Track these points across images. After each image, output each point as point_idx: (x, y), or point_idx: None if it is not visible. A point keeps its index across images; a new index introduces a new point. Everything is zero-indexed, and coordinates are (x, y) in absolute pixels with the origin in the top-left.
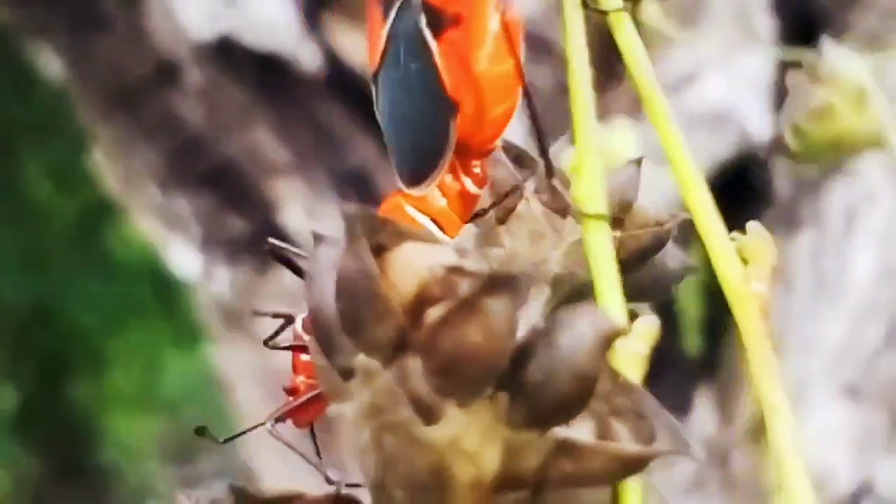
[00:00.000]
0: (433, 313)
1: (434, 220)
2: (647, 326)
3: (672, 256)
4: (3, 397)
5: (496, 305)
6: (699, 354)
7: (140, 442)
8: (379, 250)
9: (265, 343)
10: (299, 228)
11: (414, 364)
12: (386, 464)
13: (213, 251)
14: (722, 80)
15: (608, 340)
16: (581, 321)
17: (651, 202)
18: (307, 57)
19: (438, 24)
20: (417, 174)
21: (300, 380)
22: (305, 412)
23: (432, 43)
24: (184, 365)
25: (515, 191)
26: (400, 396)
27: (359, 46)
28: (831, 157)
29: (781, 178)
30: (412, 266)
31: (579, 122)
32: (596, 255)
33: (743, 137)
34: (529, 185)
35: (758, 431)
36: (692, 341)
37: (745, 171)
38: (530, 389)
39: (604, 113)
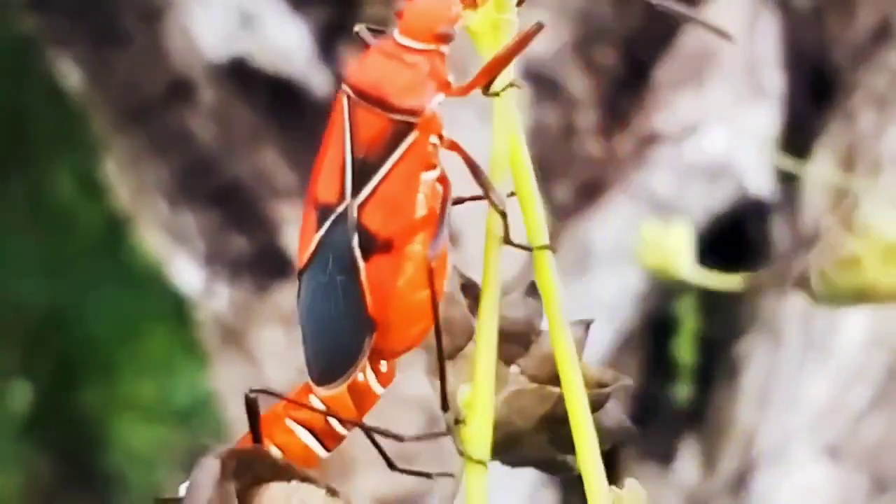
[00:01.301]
0: None
1: (315, 434)
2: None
3: (611, 416)
4: (18, 396)
5: None
6: (686, 404)
7: (149, 450)
8: (254, 480)
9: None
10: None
11: None
12: None
13: (216, 268)
14: (724, 133)
15: None
16: None
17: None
18: (319, 83)
19: (370, 246)
20: (327, 376)
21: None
22: None
23: (361, 263)
24: (195, 376)
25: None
26: None
27: None
28: (853, 304)
29: (779, 234)
30: None
31: (479, 361)
32: (473, 498)
33: (741, 191)
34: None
35: (738, 483)
36: (682, 390)
37: (741, 224)
38: None
39: (611, 157)
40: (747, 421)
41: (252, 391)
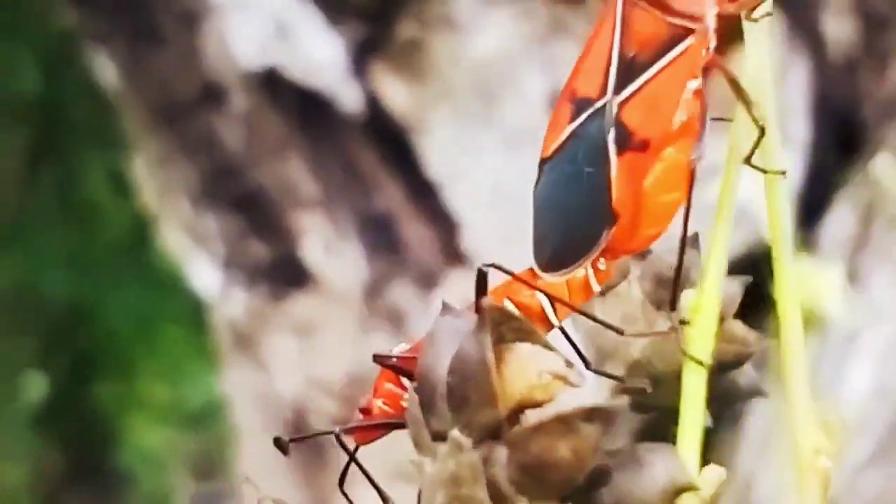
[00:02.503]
0: (532, 416)
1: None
2: (716, 475)
3: (746, 376)
4: (33, 387)
5: (588, 430)
6: None
7: (159, 450)
8: (498, 340)
9: (374, 359)
10: (316, 263)
11: (501, 454)
12: None
13: (234, 273)
14: (746, 178)
15: (679, 491)
16: (659, 464)
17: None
18: (349, 98)
19: (625, 142)
20: (555, 263)
21: (378, 403)
22: (369, 433)
23: (614, 157)
24: (208, 380)
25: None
26: (481, 477)
27: (400, 95)
28: None
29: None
30: (524, 368)
31: (710, 269)
32: (689, 398)
33: (756, 236)
34: (635, 269)
35: None
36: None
37: (756, 268)
38: None
39: None
40: (747, 466)
41: (485, 265)
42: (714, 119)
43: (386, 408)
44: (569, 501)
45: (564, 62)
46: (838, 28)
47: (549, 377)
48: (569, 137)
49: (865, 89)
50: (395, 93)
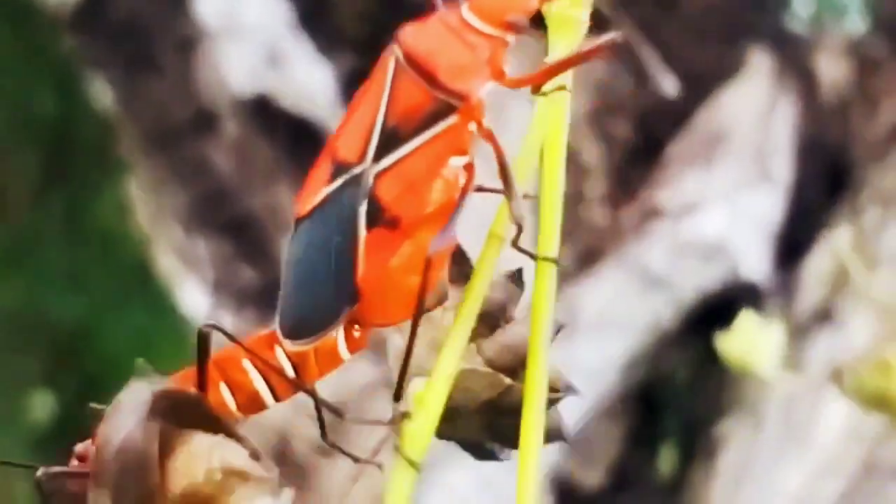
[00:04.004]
0: None
1: (269, 383)
2: None
3: (552, 418)
4: (39, 406)
5: None
6: (671, 475)
7: None
8: (179, 423)
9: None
10: None
11: None
12: None
13: (222, 297)
14: (724, 214)
15: None
16: None
17: None
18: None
19: (377, 218)
20: (296, 332)
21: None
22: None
23: (363, 231)
24: None
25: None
26: None
27: None
28: (877, 409)
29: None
30: (193, 462)
31: (443, 357)
32: (393, 498)
33: (733, 273)
34: (453, 296)
35: None
36: (667, 461)
37: (732, 306)
38: None
39: (614, 227)
40: (721, 501)
41: (206, 326)
42: (479, 190)
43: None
44: None
45: None
46: (832, 69)
47: (219, 475)
48: (323, 201)
49: (855, 131)
50: None
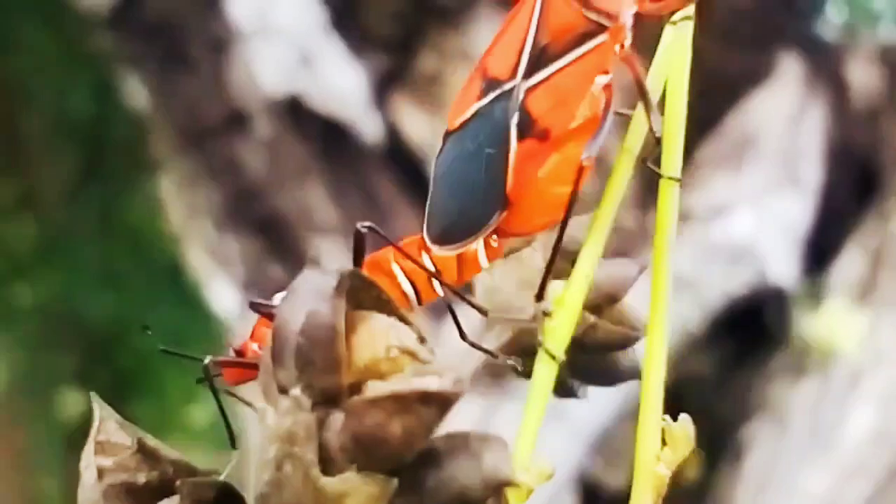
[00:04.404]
0: (372, 389)
1: (414, 286)
2: (543, 467)
3: (629, 358)
4: (71, 404)
5: (422, 413)
6: (694, 482)
7: None
8: (356, 306)
9: (250, 306)
10: None
11: (337, 421)
12: (276, 485)
13: (252, 295)
14: (752, 218)
15: (500, 485)
16: (487, 456)
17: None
18: (370, 128)
19: (528, 129)
20: (444, 238)
21: (252, 346)
22: (239, 374)
23: (514, 143)
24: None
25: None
26: (314, 439)
27: (420, 125)
28: None
29: (799, 323)
30: (374, 339)
31: (581, 264)
32: (535, 389)
33: (761, 276)
34: (541, 236)
35: None
36: (693, 464)
37: (759, 309)
38: (420, 488)
39: (642, 230)
40: None
41: (363, 226)
42: (618, 114)
43: (259, 351)
44: (395, 476)
45: None
46: (863, 75)
47: (397, 352)
48: (474, 115)
49: (885, 136)
50: (415, 123)
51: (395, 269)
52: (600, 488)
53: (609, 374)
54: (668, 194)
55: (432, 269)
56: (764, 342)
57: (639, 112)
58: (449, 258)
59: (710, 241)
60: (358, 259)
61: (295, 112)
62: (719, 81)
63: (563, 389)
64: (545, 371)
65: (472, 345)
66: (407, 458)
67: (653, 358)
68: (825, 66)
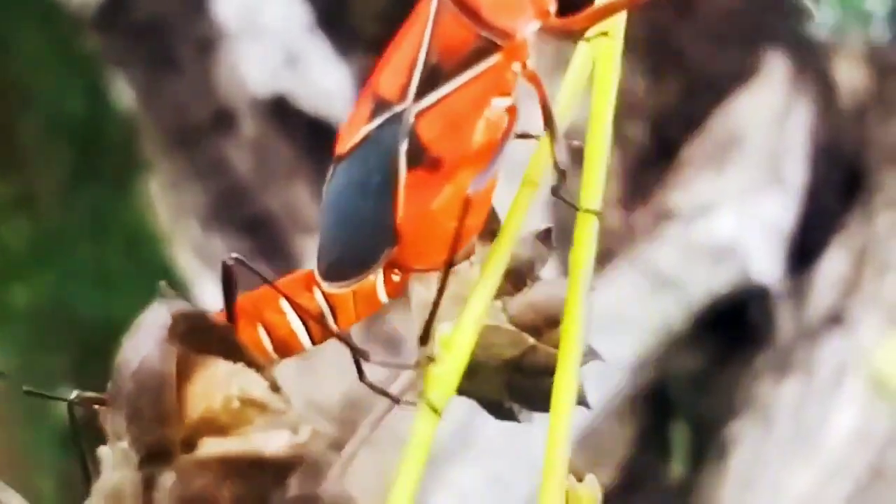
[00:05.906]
0: (206, 446)
1: (306, 324)
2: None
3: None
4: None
5: (258, 478)
6: (679, 480)
7: None
8: (199, 349)
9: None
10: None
11: (166, 481)
12: None
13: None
14: (735, 217)
15: None
16: None
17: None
18: None
19: (417, 157)
20: (332, 274)
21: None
22: None
23: (403, 172)
24: None
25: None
26: (138, 500)
27: None
28: None
29: (784, 321)
30: (211, 388)
31: (472, 304)
32: (414, 445)
33: (744, 275)
34: (480, 252)
35: None
36: (676, 467)
37: (742, 308)
38: None
39: (628, 230)
40: (731, 503)
41: (230, 258)
42: (521, 136)
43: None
44: None
45: None
46: (851, 75)
47: (238, 403)
48: (363, 139)
49: (871, 136)
50: None
51: (285, 306)
52: None
53: (549, 400)
54: (586, 228)
55: (325, 305)
56: (748, 341)
57: (545, 138)
58: (345, 295)
59: (694, 240)
60: (229, 295)
61: (281, 112)
62: (704, 80)
63: (501, 412)
64: (425, 426)
65: (371, 386)
66: None
67: (559, 419)
68: (812, 65)
